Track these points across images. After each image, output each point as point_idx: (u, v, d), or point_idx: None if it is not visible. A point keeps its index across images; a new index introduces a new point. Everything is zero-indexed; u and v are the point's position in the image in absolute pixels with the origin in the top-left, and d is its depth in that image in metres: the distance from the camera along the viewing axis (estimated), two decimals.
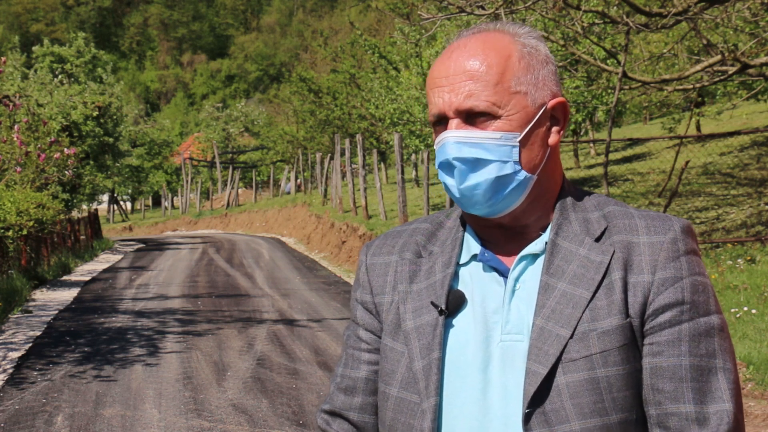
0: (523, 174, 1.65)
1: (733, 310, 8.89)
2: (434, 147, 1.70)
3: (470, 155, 1.63)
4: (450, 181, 1.66)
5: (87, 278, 19.48)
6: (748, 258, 11.17)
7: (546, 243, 1.67)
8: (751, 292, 9.47)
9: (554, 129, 1.69)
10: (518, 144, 1.64)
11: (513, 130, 1.64)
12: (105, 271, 21.39)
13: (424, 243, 1.76)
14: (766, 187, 15.73)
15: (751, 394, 7.00)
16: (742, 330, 8.27)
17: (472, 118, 1.64)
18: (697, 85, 12.71)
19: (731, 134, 15.71)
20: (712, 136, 19.97)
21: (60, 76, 30.42)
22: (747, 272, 10.41)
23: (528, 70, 1.66)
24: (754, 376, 7.17)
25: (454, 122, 1.64)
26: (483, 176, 1.63)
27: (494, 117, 1.63)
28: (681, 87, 13.00)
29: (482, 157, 1.63)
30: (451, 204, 12.54)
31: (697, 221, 14.34)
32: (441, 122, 1.67)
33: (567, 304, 1.60)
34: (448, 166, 1.65)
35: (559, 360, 1.58)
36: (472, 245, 1.71)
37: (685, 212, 15.13)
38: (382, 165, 35.21)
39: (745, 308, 8.89)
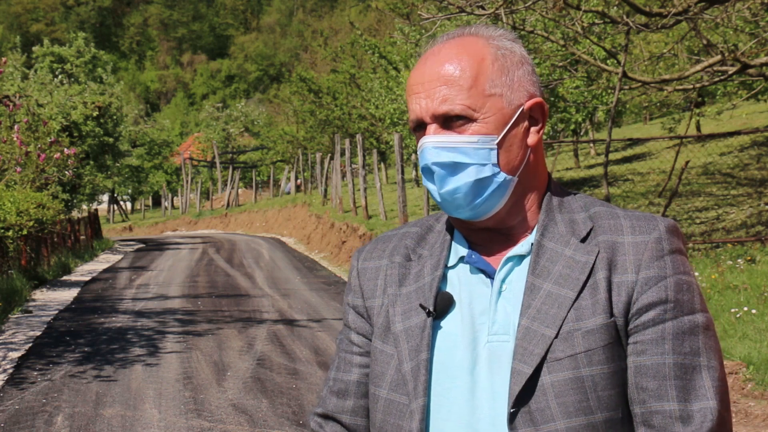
0: (502, 176, 1.66)
1: (733, 310, 8.89)
2: (417, 152, 1.72)
3: (448, 159, 1.65)
4: (431, 186, 1.68)
5: (87, 278, 19.49)
6: (748, 258, 11.16)
7: (532, 244, 1.68)
8: (751, 292, 9.46)
9: (533, 129, 1.70)
10: (496, 146, 1.65)
11: (490, 133, 1.65)
12: (105, 271, 21.40)
13: (413, 246, 1.78)
14: (766, 187, 15.73)
15: (751, 394, 7.00)
16: (742, 330, 8.26)
17: (448, 122, 1.66)
18: (697, 85, 12.71)
19: (731, 134, 15.72)
20: (712, 136, 19.97)
21: (60, 76, 30.43)
22: (747, 272, 10.40)
23: (502, 72, 1.67)
24: (754, 376, 7.16)
25: (431, 127, 1.66)
26: (462, 180, 1.65)
27: (470, 120, 1.65)
28: (681, 87, 13.00)
29: (460, 160, 1.64)
30: None
31: (697, 221, 14.34)
32: (420, 128, 1.69)
33: (552, 304, 1.62)
34: (428, 171, 1.67)
35: (544, 359, 1.59)
36: (459, 248, 1.73)
37: (685, 212, 15.13)
38: (382, 165, 35.20)
39: (745, 308, 8.87)
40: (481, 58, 1.67)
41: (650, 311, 1.61)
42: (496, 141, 1.65)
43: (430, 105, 1.66)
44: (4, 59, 14.54)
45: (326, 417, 1.81)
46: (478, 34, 1.70)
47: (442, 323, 1.68)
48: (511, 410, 1.58)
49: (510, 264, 1.68)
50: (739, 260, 11.10)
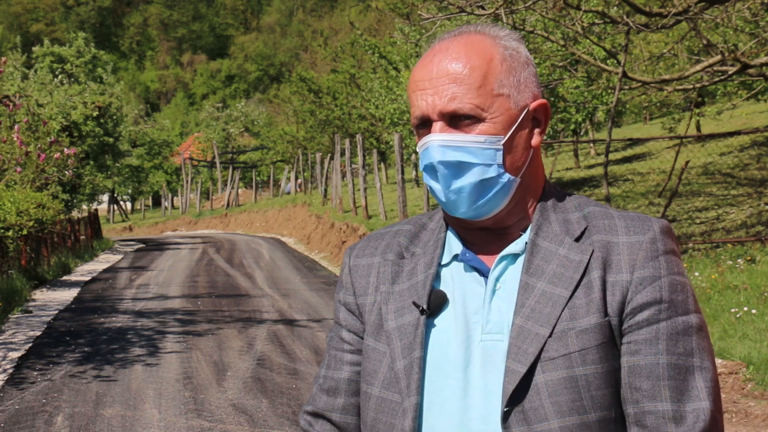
0: (506, 177, 1.66)
1: (733, 310, 8.89)
2: (417, 150, 1.71)
3: (454, 159, 1.63)
4: (435, 185, 1.67)
5: (87, 278, 19.48)
6: (748, 258, 11.16)
7: (526, 243, 1.68)
8: (751, 292, 9.46)
9: (536, 131, 1.70)
10: (502, 147, 1.65)
11: (497, 133, 1.65)
12: (105, 271, 21.40)
13: (406, 244, 1.77)
14: (766, 187, 15.73)
15: (751, 394, 7.00)
16: (742, 330, 8.26)
17: (455, 121, 1.64)
18: (697, 85, 12.71)
19: (731, 134, 15.72)
20: (712, 136, 19.97)
21: (60, 76, 30.43)
22: (747, 272, 10.40)
23: (510, 73, 1.67)
24: (754, 376, 7.16)
25: (438, 125, 1.65)
26: (467, 180, 1.64)
27: (478, 120, 1.64)
28: (681, 87, 13.00)
29: (466, 160, 1.63)
30: None
31: (697, 221, 14.33)
32: (424, 125, 1.68)
33: (546, 303, 1.61)
34: (432, 170, 1.66)
35: (538, 359, 1.59)
36: (453, 246, 1.72)
37: (685, 212, 15.13)
38: (382, 165, 35.19)
39: (745, 308, 8.88)
40: (489, 57, 1.66)
41: (644, 311, 1.60)
42: (503, 141, 1.65)
43: (438, 102, 1.64)
44: (4, 59, 14.54)
45: (316, 415, 1.80)
46: (485, 33, 1.70)
47: (436, 321, 1.67)
48: (505, 409, 1.58)
49: (504, 263, 1.68)
50: (739, 260, 11.10)
